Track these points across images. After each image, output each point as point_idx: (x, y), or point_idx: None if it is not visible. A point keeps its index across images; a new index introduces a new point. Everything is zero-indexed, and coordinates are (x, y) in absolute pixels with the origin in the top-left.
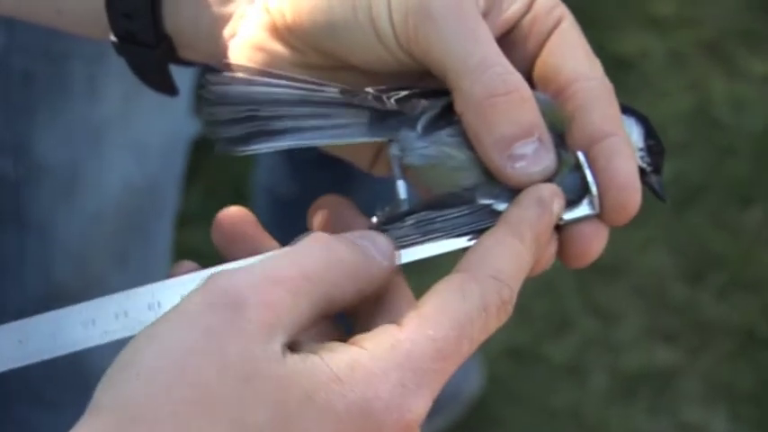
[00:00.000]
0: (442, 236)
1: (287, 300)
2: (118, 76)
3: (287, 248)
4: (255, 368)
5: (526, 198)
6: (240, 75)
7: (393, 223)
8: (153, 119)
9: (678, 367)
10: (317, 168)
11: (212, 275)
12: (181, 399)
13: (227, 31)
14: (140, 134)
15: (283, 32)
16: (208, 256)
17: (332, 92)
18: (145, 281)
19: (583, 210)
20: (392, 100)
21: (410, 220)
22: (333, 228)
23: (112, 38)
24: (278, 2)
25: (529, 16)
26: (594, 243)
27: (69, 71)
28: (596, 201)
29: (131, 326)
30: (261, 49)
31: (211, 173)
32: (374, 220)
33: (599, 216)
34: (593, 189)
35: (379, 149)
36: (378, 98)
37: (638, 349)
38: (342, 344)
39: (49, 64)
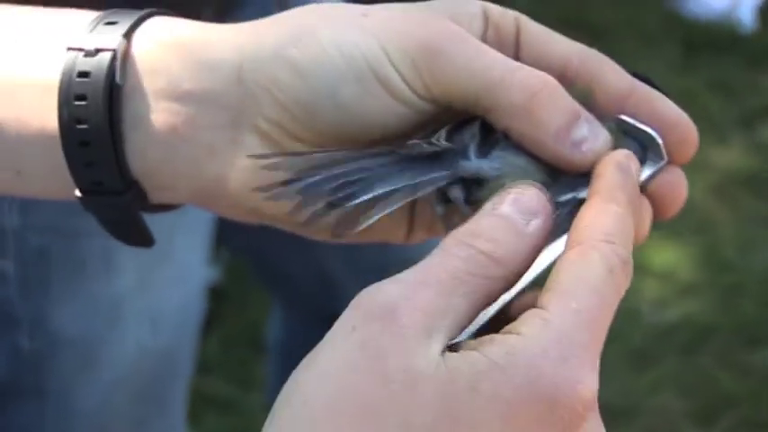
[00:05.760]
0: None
1: (439, 302)
2: (134, 249)
3: (429, 255)
4: (416, 377)
5: (604, 168)
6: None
7: None
8: (168, 289)
9: None
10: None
11: (360, 294)
12: (345, 418)
13: (216, 164)
14: (156, 304)
15: (294, 133)
16: (225, 404)
17: (383, 151)
18: None
19: (651, 165)
20: (441, 140)
21: None
22: None
23: (77, 193)
24: (272, 114)
25: (491, 27)
26: (679, 186)
27: (83, 247)
28: (663, 148)
29: None
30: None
31: (228, 321)
32: None
33: (669, 163)
34: (658, 139)
35: (413, 219)
36: (429, 143)
37: None
38: (497, 335)
39: (62, 241)
